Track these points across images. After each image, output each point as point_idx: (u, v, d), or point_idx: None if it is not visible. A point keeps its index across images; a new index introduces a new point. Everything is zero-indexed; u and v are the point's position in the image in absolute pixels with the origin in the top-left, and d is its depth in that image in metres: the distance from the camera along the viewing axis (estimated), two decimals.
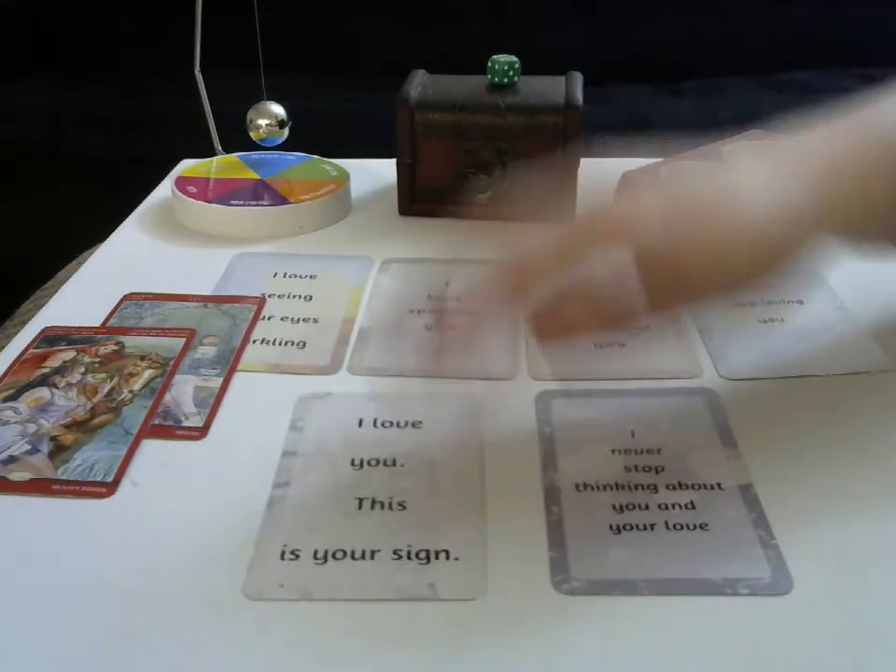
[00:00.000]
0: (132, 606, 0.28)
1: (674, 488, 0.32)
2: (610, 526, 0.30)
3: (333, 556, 0.29)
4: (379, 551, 0.29)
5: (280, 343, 0.41)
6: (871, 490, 0.32)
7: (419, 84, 0.53)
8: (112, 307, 0.44)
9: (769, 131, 0.52)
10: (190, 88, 0.57)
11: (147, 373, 0.38)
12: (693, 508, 0.31)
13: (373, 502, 0.32)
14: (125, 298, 0.45)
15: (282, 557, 0.29)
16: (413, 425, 0.36)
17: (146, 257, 0.50)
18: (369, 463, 0.34)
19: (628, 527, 0.30)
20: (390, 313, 0.43)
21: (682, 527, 0.30)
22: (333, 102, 1.11)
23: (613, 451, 0.34)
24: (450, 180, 0.52)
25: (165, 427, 0.36)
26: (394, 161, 0.53)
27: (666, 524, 0.30)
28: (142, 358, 0.39)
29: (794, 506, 0.31)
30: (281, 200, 0.53)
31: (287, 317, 0.43)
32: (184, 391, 0.37)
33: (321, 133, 0.62)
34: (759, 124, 0.53)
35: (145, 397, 0.37)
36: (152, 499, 0.32)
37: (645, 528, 0.30)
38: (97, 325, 0.43)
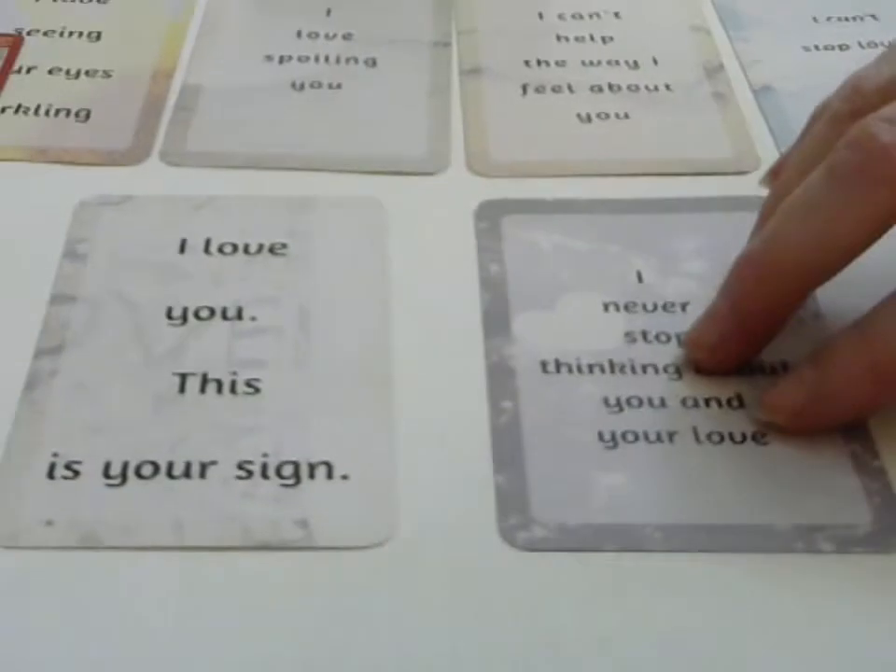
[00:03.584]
0: None
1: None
2: (600, 435, 0.27)
3: (137, 473, 0.26)
4: (215, 463, 0.26)
5: (48, 113, 0.38)
6: None
7: None
8: None
9: None
10: None
11: None
12: (741, 405, 0.28)
13: (205, 381, 0.28)
14: None
15: (50, 475, 0.26)
16: (272, 249, 0.32)
17: None
18: (197, 315, 0.30)
19: (630, 437, 0.27)
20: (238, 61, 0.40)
21: (722, 438, 0.27)
22: None
23: (607, 305, 0.30)
24: None
25: None
26: None
27: (695, 432, 0.27)
28: None
29: None
30: None
31: (60, 69, 0.40)
32: None
33: None
34: None
35: None
36: None
37: (659, 439, 0.27)
38: None
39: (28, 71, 0.39)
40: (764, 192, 0.32)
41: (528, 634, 0.23)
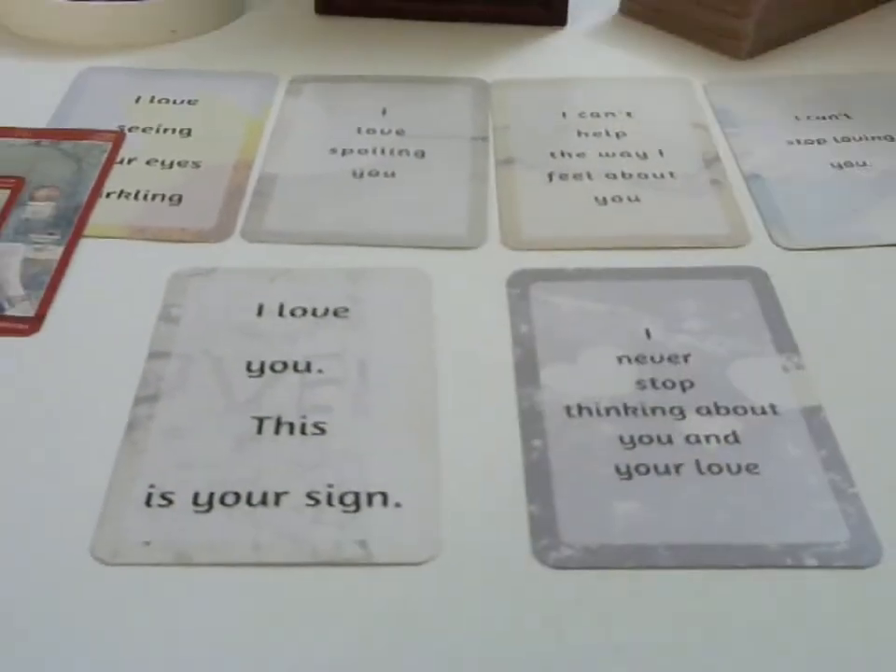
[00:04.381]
0: None
1: (708, 412, 0.29)
2: (617, 469, 0.28)
3: (222, 501, 0.27)
4: (287, 493, 0.27)
5: (146, 198, 0.39)
6: None
7: None
8: None
9: None
10: None
11: None
12: (737, 441, 0.29)
13: (279, 423, 0.29)
14: None
15: (148, 503, 0.27)
16: (336, 313, 0.33)
17: None
18: (272, 368, 0.31)
19: (642, 470, 0.28)
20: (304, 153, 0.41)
21: (721, 469, 0.28)
22: None
23: (620, 358, 0.31)
24: None
25: None
26: None
27: (698, 464, 0.28)
28: None
29: (881, 439, 0.29)
30: None
31: (157, 160, 0.41)
32: (8, 266, 0.35)
33: None
34: None
35: None
36: None
37: (667, 471, 0.28)
38: None
39: (129, 162, 0.40)
40: (754, 262, 0.33)
41: (558, 639, 0.24)
